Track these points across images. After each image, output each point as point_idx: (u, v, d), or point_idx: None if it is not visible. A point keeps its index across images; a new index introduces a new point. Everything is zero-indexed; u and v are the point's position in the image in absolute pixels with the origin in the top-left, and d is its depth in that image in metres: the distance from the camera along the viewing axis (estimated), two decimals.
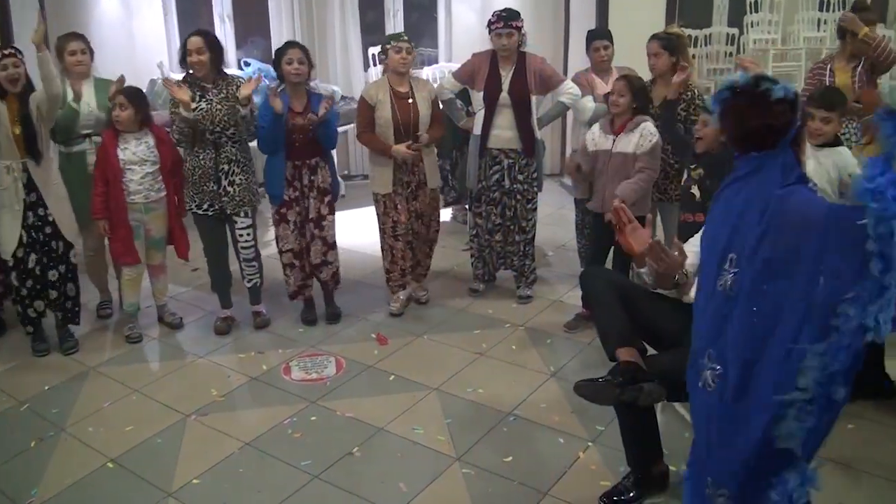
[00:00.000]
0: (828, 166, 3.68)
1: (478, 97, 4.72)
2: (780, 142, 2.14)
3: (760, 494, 2.11)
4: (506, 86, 4.61)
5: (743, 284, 2.12)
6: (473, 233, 5.04)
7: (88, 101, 4.49)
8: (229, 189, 4.37)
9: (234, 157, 4.36)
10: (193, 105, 4.18)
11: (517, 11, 4.64)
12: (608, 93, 4.27)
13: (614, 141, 4.22)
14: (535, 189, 4.88)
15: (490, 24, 4.59)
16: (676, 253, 2.75)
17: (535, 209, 4.92)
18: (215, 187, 4.36)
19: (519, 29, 4.57)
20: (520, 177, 4.77)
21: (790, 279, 2.00)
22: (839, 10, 8.65)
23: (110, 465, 3.35)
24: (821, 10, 8.66)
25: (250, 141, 4.46)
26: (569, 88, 4.69)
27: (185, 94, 4.17)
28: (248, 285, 4.69)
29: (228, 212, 4.43)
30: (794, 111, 2.17)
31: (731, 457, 2.15)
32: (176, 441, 3.52)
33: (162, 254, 4.62)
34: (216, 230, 4.53)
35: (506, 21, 4.52)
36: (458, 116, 4.99)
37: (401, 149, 4.47)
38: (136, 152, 4.32)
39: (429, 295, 5.04)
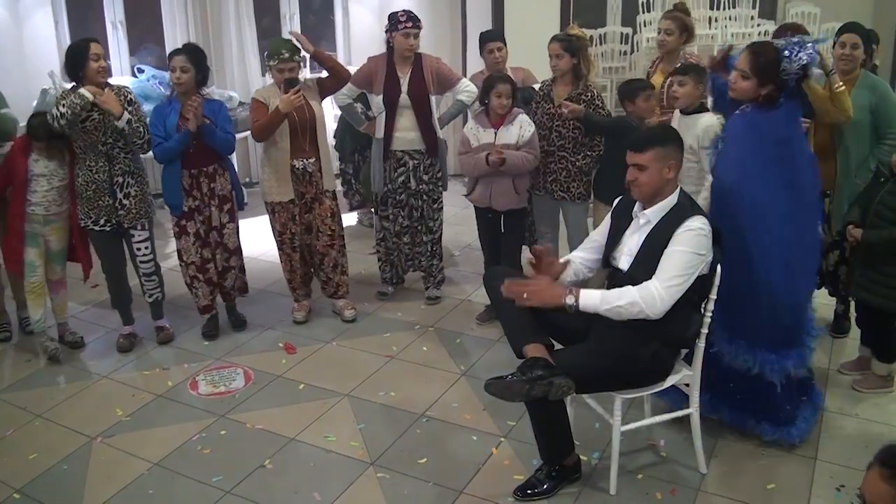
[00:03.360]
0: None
1: (377, 100, 4.72)
2: None
3: None
4: (405, 87, 4.64)
5: None
6: (380, 236, 5.04)
7: None
8: (125, 202, 4.25)
9: (128, 169, 4.24)
10: (86, 114, 4.05)
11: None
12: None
13: (496, 134, 4.33)
14: (441, 189, 4.92)
15: (398, 23, 4.58)
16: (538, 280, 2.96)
17: (441, 209, 4.96)
18: (111, 201, 4.23)
19: (420, 30, 4.63)
20: (425, 177, 4.80)
21: None
22: (729, 8, 9.00)
23: (16, 496, 3.23)
24: (712, 8, 8.98)
25: (143, 153, 4.34)
26: (466, 87, 4.75)
27: (116, 104, 4.04)
28: (149, 300, 4.57)
29: (125, 226, 4.31)
30: None
31: None
32: (82, 466, 3.42)
33: (62, 268, 4.47)
34: (113, 246, 4.41)
35: (414, 21, 4.58)
36: (358, 120, 4.98)
37: (284, 98, 4.27)
38: (49, 165, 4.19)
39: (356, 312, 4.88)
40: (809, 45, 3.09)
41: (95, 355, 4.49)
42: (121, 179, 4.23)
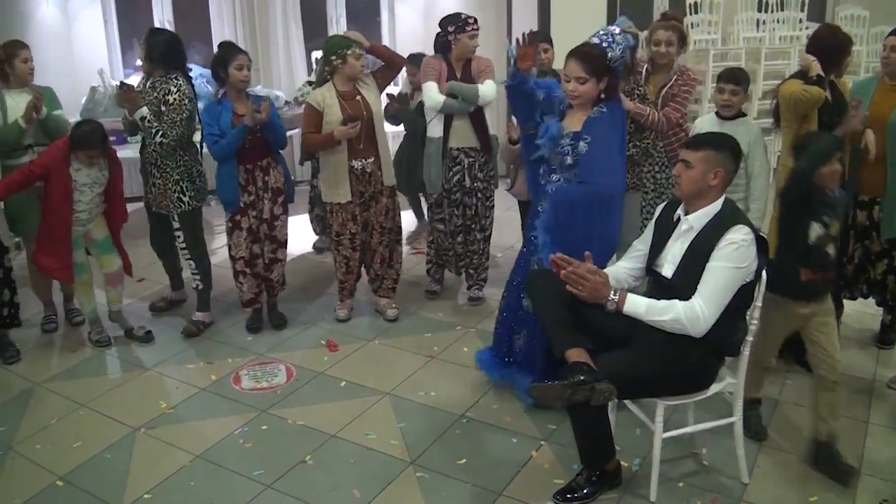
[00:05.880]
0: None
1: None
2: None
3: None
4: None
5: None
6: (430, 239, 5.07)
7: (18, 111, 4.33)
8: (151, 189, 4.53)
9: (153, 161, 4.46)
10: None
11: None
12: None
13: None
14: (493, 186, 4.93)
15: (466, 25, 4.57)
16: (597, 276, 2.91)
17: (493, 206, 4.97)
18: (144, 181, 4.58)
19: None
20: (479, 174, 4.81)
21: None
22: (777, 10, 8.87)
23: (59, 483, 3.29)
24: (759, 10, 8.84)
25: (167, 148, 4.36)
26: (487, 84, 4.64)
27: (133, 104, 4.30)
28: (192, 287, 4.72)
29: (153, 209, 4.59)
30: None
31: None
32: (125, 456, 3.48)
33: (114, 256, 4.47)
34: (155, 218, 4.73)
35: (475, 23, 4.63)
36: (461, 106, 4.72)
37: (341, 129, 4.32)
38: (90, 173, 4.20)
39: (398, 312, 4.88)
40: (618, 32, 3.50)
41: (140, 348, 4.56)
42: (148, 167, 4.49)
